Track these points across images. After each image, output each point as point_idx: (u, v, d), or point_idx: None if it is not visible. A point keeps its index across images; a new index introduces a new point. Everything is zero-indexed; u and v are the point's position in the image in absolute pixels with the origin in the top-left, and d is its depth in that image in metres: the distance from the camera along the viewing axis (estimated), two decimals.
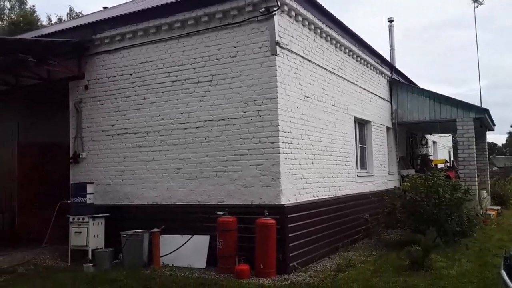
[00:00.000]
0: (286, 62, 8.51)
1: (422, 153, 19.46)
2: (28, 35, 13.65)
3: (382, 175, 13.76)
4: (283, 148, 8.15)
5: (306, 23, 9.30)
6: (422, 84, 17.98)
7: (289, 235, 8.04)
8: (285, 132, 8.26)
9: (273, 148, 8.08)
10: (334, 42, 10.73)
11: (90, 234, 9.13)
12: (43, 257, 9.72)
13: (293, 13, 8.74)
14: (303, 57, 9.19)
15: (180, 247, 8.54)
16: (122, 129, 9.79)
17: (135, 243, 8.62)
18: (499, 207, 17.09)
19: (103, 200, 9.82)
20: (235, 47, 8.51)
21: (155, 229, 8.65)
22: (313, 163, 9.32)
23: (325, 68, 10.24)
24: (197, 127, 8.84)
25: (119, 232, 8.80)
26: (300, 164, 8.75)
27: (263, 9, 8.12)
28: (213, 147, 8.66)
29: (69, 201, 9.56)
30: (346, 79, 11.55)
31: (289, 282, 7.30)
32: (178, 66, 9.10)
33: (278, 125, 8.07)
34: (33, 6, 38.51)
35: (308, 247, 8.63)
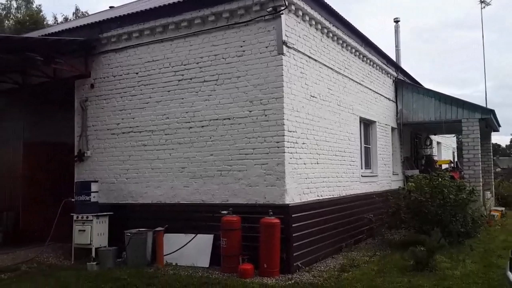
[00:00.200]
0: (293, 62, 8.50)
1: (427, 154, 19.42)
2: (34, 34, 13.70)
3: (386, 175, 13.73)
4: (288, 147, 8.15)
5: (313, 22, 9.29)
6: (425, 85, 17.89)
7: (293, 235, 8.03)
8: (290, 131, 8.26)
9: (278, 147, 8.08)
10: (340, 42, 10.71)
11: (94, 233, 9.15)
12: (47, 255, 9.75)
13: (300, 13, 8.73)
14: (309, 57, 9.18)
15: (183, 246, 8.55)
16: (127, 128, 9.81)
17: (138, 242, 8.64)
18: (503, 208, 17.06)
19: (107, 199, 9.84)
20: (241, 46, 8.51)
21: (159, 228, 8.66)
22: (317, 163, 9.31)
23: (331, 68, 10.23)
24: (202, 126, 8.85)
25: (123, 231, 8.82)
26: (305, 163, 8.74)
27: (270, 8, 8.12)
28: (218, 146, 8.66)
29: (73, 200, 9.59)
30: (352, 79, 11.54)
31: (293, 281, 7.30)
32: (184, 65, 9.11)
33: (284, 125, 8.07)
34: (39, 5, 38.71)
35: (312, 247, 8.63)
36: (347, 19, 10.59)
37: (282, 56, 8.17)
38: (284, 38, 8.20)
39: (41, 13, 36.90)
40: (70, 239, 9.45)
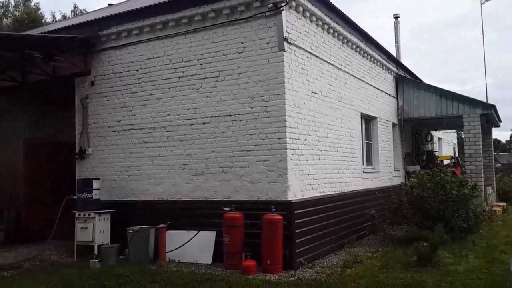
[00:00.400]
0: (294, 58, 8.47)
1: (428, 150, 19.39)
2: (33, 32, 13.66)
3: (387, 171, 13.71)
4: (290, 144, 8.13)
5: (314, 18, 9.25)
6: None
7: (296, 231, 8.02)
8: (292, 128, 8.23)
9: (280, 144, 8.06)
10: (341, 38, 10.68)
11: (96, 230, 9.14)
12: (49, 253, 9.75)
13: (301, 9, 8.69)
14: (310, 53, 9.15)
15: (186, 243, 8.55)
16: (128, 125, 9.79)
17: (141, 239, 8.63)
18: (504, 204, 17.05)
19: (109, 196, 9.83)
20: (242, 43, 8.47)
21: (161, 225, 8.66)
22: (319, 159, 9.29)
23: (332, 64, 10.20)
24: (204, 123, 8.83)
25: (125, 228, 8.82)
26: (307, 160, 8.72)
27: (271, 4, 8.08)
28: (220, 143, 8.64)
29: (75, 197, 9.58)
30: (353, 75, 11.51)
31: (296, 278, 7.29)
32: (184, 62, 9.07)
33: (285, 121, 8.05)
34: (38, 3, 38.49)
35: (315, 243, 8.62)
36: (348, 15, 10.55)
37: (283, 52, 8.13)
38: (285, 34, 8.17)
39: (40, 11, 36.91)
40: (72, 237, 9.45)
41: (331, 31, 10.12)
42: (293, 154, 8.21)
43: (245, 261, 7.72)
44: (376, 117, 13.08)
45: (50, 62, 9.56)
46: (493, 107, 14.72)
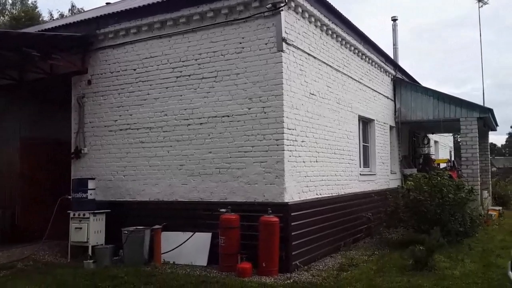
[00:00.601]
0: (292, 59, 8.43)
1: (424, 153, 19.41)
2: (31, 30, 13.56)
3: (384, 174, 13.70)
4: (287, 145, 8.08)
5: (313, 19, 9.22)
6: (424, 84, 17.84)
7: (292, 234, 7.97)
8: (290, 129, 8.19)
9: (277, 145, 8.01)
10: (339, 39, 10.65)
11: (91, 230, 9.06)
12: (43, 253, 9.66)
13: (299, 10, 8.66)
14: (309, 54, 9.11)
15: (181, 244, 8.48)
16: (124, 125, 9.72)
17: (136, 240, 8.56)
18: (500, 208, 17.06)
19: (104, 196, 9.75)
20: (240, 43, 8.43)
21: (157, 226, 8.59)
22: (317, 161, 9.25)
23: (330, 66, 10.17)
24: (201, 123, 8.78)
25: (120, 229, 8.74)
26: (304, 162, 8.68)
27: (269, 5, 8.04)
28: (217, 143, 8.59)
29: (70, 197, 9.50)
30: (351, 77, 11.48)
31: (291, 281, 7.24)
32: (182, 61, 9.02)
33: (283, 122, 8.00)
34: (35, 1, 38.26)
35: (311, 246, 8.58)
36: (347, 17, 10.52)
37: (282, 53, 8.10)
38: (284, 35, 8.13)
39: (37, 9, 36.73)
40: (66, 237, 9.36)
41: (330, 32, 10.09)
42: (290, 156, 8.17)
43: (241, 263, 7.66)
44: (374, 120, 13.07)
45: (47, 60, 9.49)
46: (490, 110, 14.73)
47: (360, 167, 11.90)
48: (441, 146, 25.86)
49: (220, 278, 7.29)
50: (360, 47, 11.90)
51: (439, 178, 10.38)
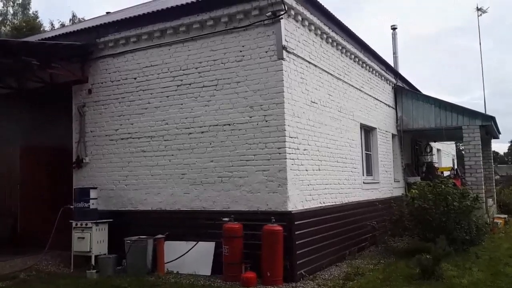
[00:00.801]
0: (293, 67, 8.39)
1: (427, 161, 19.31)
2: (31, 39, 13.58)
3: (388, 182, 13.59)
4: (289, 153, 8.01)
5: (313, 28, 9.20)
6: (424, 92, 17.78)
7: (296, 242, 7.86)
8: (291, 137, 8.12)
9: (279, 153, 7.93)
10: (340, 47, 10.63)
11: (93, 240, 8.96)
12: (46, 263, 9.55)
13: (299, 18, 8.64)
14: (309, 62, 9.07)
15: (184, 253, 8.37)
16: (126, 134, 9.67)
17: (139, 250, 8.46)
18: (506, 216, 16.88)
19: (106, 206, 9.66)
20: (241, 51, 8.40)
21: (159, 235, 8.49)
22: (319, 169, 9.17)
23: (331, 74, 10.13)
24: (202, 132, 8.71)
25: (122, 238, 8.64)
26: (306, 170, 8.60)
27: (269, 13, 8.01)
28: (219, 152, 8.52)
29: (72, 206, 9.41)
30: (352, 85, 11.44)
31: None
32: (183, 70, 8.99)
33: (285, 130, 7.94)
34: (36, 11, 38.52)
35: (316, 255, 8.46)
36: (346, 25, 10.52)
37: (282, 61, 8.05)
38: (284, 43, 8.10)
39: (38, 19, 36.87)
40: (69, 247, 9.25)
41: (330, 40, 10.07)
42: (292, 164, 8.09)
43: (245, 272, 7.54)
44: (376, 128, 13.00)
45: (47, 69, 9.46)
46: (492, 118, 14.67)
47: (363, 175, 11.80)
48: (444, 154, 25.74)
49: None
50: (361, 55, 11.88)
51: (443, 186, 10.27)
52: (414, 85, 18.39)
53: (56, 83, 10.39)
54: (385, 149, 13.66)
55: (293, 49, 8.40)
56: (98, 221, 9.11)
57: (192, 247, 8.36)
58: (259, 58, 8.23)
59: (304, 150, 8.58)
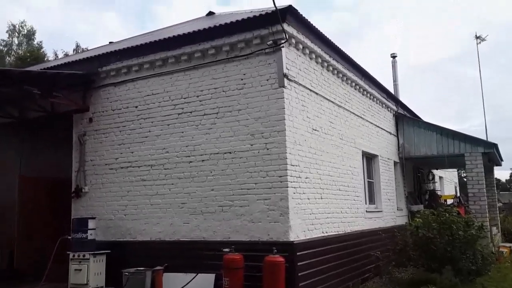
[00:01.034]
0: (294, 95, 8.38)
1: (430, 188, 19.11)
2: (34, 68, 13.67)
3: (391, 211, 13.41)
4: (291, 182, 7.90)
5: (314, 56, 9.24)
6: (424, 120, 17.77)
7: (299, 274, 7.66)
8: (293, 165, 8.03)
9: (281, 182, 7.83)
10: (340, 75, 10.66)
11: (91, 272, 8.75)
12: None
13: (300, 46, 8.69)
14: (310, 90, 9.08)
15: (184, 286, 8.15)
16: (126, 162, 9.59)
17: (137, 282, 8.23)
18: (511, 244, 16.60)
19: (104, 236, 9.49)
20: (242, 79, 8.41)
21: (158, 267, 8.30)
22: (321, 198, 9.04)
23: (332, 101, 10.12)
24: (203, 160, 8.63)
25: (120, 270, 8.43)
26: (308, 198, 8.47)
27: (270, 41, 8.06)
28: (219, 180, 8.41)
29: (70, 237, 9.24)
30: (353, 113, 11.43)
31: None
32: (184, 98, 8.99)
33: (286, 158, 7.85)
34: (40, 42, 39.15)
35: (318, 287, 8.23)
36: (347, 53, 10.58)
37: (283, 89, 8.05)
38: (285, 71, 8.11)
39: (42, 49, 37.41)
40: (66, 279, 9.03)
41: (331, 68, 10.11)
42: (294, 193, 7.97)
43: None
44: (377, 155, 12.92)
45: (48, 98, 9.47)
46: (495, 145, 14.58)
47: (365, 203, 11.65)
48: (446, 181, 25.56)
49: None
50: (361, 83, 11.92)
51: (447, 215, 10.10)
52: (417, 113, 18.40)
53: (57, 112, 10.38)
54: (387, 177, 13.54)
55: (294, 77, 8.41)
56: (96, 252, 8.92)
57: (192, 279, 8.15)
58: (260, 86, 8.23)
59: (306, 178, 8.48)
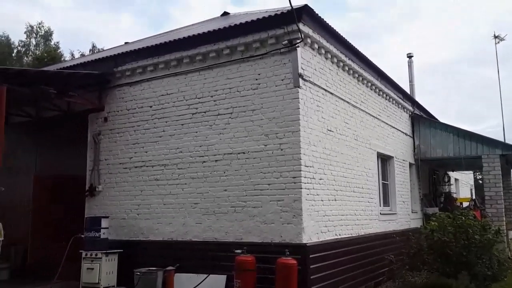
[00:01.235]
0: (309, 95, 8.30)
1: (445, 191, 18.84)
2: (50, 68, 13.81)
3: (405, 213, 13.23)
4: (305, 183, 7.83)
5: (329, 56, 9.15)
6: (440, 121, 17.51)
7: (311, 277, 7.59)
8: (307, 166, 7.96)
9: (295, 183, 7.76)
10: (356, 75, 10.55)
11: (103, 271, 8.79)
12: None
13: (316, 46, 8.60)
14: (325, 90, 8.99)
15: (195, 287, 8.13)
16: (139, 162, 9.61)
17: (148, 282, 8.25)
18: None
19: (117, 235, 9.53)
20: (256, 79, 8.36)
21: (170, 267, 8.30)
22: (335, 200, 8.95)
23: (347, 102, 10.01)
24: (216, 160, 8.61)
25: (132, 269, 8.46)
26: (322, 200, 8.39)
27: (286, 41, 8.00)
28: (232, 181, 8.38)
29: (83, 236, 9.29)
30: (369, 113, 11.29)
31: None
32: (198, 98, 8.97)
33: (300, 159, 7.78)
34: (57, 42, 39.61)
35: None
36: (363, 53, 10.45)
37: (298, 89, 7.98)
38: (300, 71, 8.04)
39: (59, 50, 37.86)
40: (78, 277, 9.09)
41: (347, 68, 10.00)
42: (308, 194, 7.89)
43: None
44: (393, 157, 12.76)
45: (64, 97, 9.54)
46: None
47: (380, 206, 11.51)
48: (462, 184, 25.18)
49: None
50: (377, 83, 11.77)
51: (463, 218, 9.91)
52: (432, 113, 18.14)
53: (73, 111, 10.48)
54: (402, 179, 13.36)
55: (309, 77, 8.34)
56: (108, 251, 8.96)
57: (203, 280, 8.13)
58: (275, 86, 8.17)
59: (320, 179, 8.39)
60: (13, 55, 37.17)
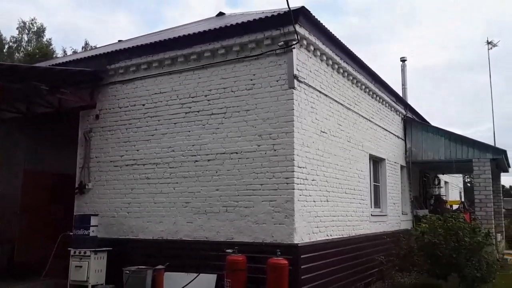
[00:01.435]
0: (303, 96, 8.31)
1: (435, 193, 18.99)
2: (42, 64, 13.68)
3: (395, 215, 13.31)
4: (297, 184, 7.83)
5: (324, 58, 9.16)
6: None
7: (302, 277, 7.59)
8: (300, 167, 7.95)
9: (287, 183, 7.75)
10: (350, 78, 10.57)
11: (91, 269, 8.71)
12: None
13: (311, 48, 8.60)
14: (320, 92, 9.00)
15: (185, 286, 8.10)
16: (131, 160, 9.55)
17: (137, 281, 8.17)
18: None
19: (106, 233, 9.46)
20: (251, 80, 8.34)
21: (159, 266, 8.24)
22: (327, 201, 8.96)
23: (341, 104, 10.04)
24: (209, 160, 8.57)
25: (121, 268, 8.38)
26: (314, 201, 8.39)
27: (281, 42, 7.99)
28: (224, 181, 8.35)
29: (71, 233, 9.21)
30: (362, 116, 11.33)
31: None
32: (192, 97, 8.93)
33: (294, 160, 7.78)
34: (50, 39, 39.24)
35: None
36: (358, 56, 10.48)
37: (293, 90, 7.97)
38: (295, 72, 8.04)
39: (51, 46, 37.51)
40: (66, 275, 9.00)
41: (341, 70, 10.02)
42: (300, 195, 7.90)
43: None
44: (385, 159, 12.82)
45: (56, 94, 9.45)
46: (503, 152, 14.48)
47: (371, 207, 11.55)
48: (452, 186, 25.41)
49: None
50: (371, 86, 11.82)
51: (454, 221, 9.99)
52: (424, 117, 18.26)
53: (65, 108, 10.37)
54: (394, 181, 13.43)
55: (304, 79, 8.34)
56: (97, 249, 8.89)
57: (193, 280, 8.09)
58: (270, 87, 8.16)
59: (313, 180, 8.40)
60: (4, 50, 36.77)
